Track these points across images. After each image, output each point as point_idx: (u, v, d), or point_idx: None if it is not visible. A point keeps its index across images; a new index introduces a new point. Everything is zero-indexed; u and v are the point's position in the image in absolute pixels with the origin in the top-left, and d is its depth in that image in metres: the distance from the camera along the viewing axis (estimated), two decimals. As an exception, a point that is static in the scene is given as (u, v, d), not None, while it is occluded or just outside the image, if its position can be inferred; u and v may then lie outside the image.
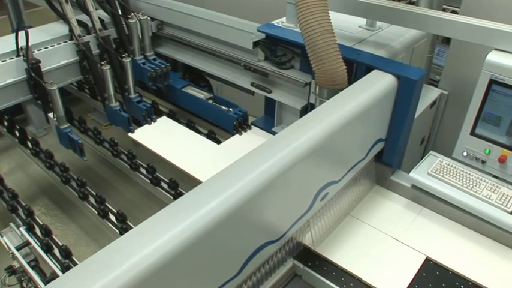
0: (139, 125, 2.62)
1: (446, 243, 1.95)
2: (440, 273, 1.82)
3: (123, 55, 2.49)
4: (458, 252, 1.91)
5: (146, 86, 2.77)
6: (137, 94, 2.64)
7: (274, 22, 2.46)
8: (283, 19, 2.46)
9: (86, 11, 2.58)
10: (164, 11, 2.82)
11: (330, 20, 1.85)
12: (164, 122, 2.66)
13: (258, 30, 2.35)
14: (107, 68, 2.39)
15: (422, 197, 2.12)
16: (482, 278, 1.79)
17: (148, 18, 2.67)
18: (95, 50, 2.65)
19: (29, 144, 2.85)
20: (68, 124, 2.39)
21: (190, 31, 2.78)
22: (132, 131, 2.52)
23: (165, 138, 2.50)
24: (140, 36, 2.66)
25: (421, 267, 1.84)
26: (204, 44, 2.73)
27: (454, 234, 1.99)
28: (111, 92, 2.52)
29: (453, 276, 1.81)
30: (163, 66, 2.67)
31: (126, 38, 2.70)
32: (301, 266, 1.84)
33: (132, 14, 2.61)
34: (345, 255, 1.88)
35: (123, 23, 2.69)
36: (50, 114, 2.41)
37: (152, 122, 2.61)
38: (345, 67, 1.92)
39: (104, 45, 2.60)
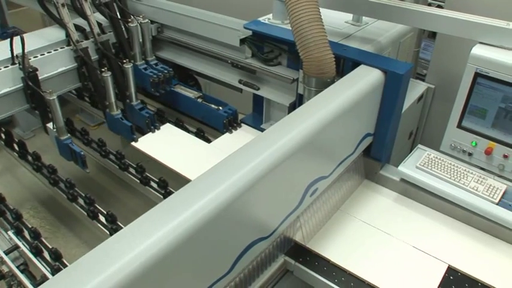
0: (142, 133, 2.51)
1: (435, 236, 1.97)
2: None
3: (124, 61, 2.37)
4: (447, 243, 1.93)
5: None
6: (139, 101, 2.54)
7: (261, 19, 2.46)
8: (270, 16, 2.46)
9: (83, 15, 2.48)
10: (161, 13, 2.75)
11: (318, 8, 1.86)
12: (168, 129, 2.55)
13: (245, 27, 2.35)
14: (107, 74, 2.27)
15: (411, 190, 2.14)
16: (470, 268, 1.81)
17: (149, 21, 2.58)
18: (94, 56, 2.55)
19: (16, 146, 2.81)
20: (69, 135, 2.27)
21: (177, 29, 2.76)
22: (136, 140, 2.41)
23: (169, 146, 2.40)
24: (140, 41, 2.56)
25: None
26: (191, 42, 2.72)
27: (442, 226, 2.02)
28: (113, 99, 2.39)
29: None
30: (165, 71, 2.56)
31: (126, 42, 2.60)
32: (293, 262, 1.85)
33: (132, 17, 2.51)
34: (336, 250, 1.89)
35: (122, 27, 2.59)
36: (49, 125, 2.30)
37: (156, 130, 2.50)
38: (333, 55, 1.93)
39: (103, 50, 2.51)
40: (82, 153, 2.22)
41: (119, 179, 2.73)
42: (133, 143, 2.40)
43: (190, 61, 2.80)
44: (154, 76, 2.51)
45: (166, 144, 2.41)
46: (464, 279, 1.78)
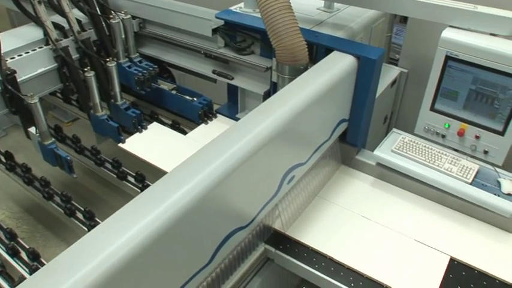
0: (129, 133, 2.42)
1: (411, 217, 2.00)
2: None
3: (107, 59, 2.28)
4: (422, 224, 1.97)
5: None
6: (124, 100, 2.44)
7: (232, 8, 2.45)
8: (241, 5, 2.45)
9: (61, 12, 2.36)
10: (143, 7, 2.65)
11: None
12: (156, 128, 2.48)
13: (216, 17, 2.33)
14: (91, 74, 2.16)
15: (387, 173, 2.17)
16: (446, 246, 1.86)
17: (131, 17, 2.49)
18: (75, 55, 2.45)
19: (-13, 146, 2.75)
20: (53, 139, 2.18)
21: (156, 23, 2.71)
22: (123, 141, 2.32)
23: (158, 146, 2.33)
24: (123, 37, 2.49)
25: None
26: (163, 34, 2.68)
27: (418, 208, 2.05)
28: (97, 100, 2.29)
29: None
30: (150, 69, 2.49)
31: (107, 39, 2.51)
32: (273, 249, 1.86)
33: (113, 13, 2.42)
34: (315, 235, 1.91)
35: (103, 24, 2.49)
36: (31, 129, 2.19)
37: (143, 130, 2.42)
38: (305, 42, 1.93)
39: (84, 49, 2.41)
40: (68, 157, 2.13)
41: (95, 175, 2.69)
42: (120, 145, 2.32)
43: (164, 53, 2.77)
44: (140, 74, 2.44)
45: (156, 145, 2.34)
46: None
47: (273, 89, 2.29)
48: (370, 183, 2.20)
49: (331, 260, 1.82)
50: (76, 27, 2.40)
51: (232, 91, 2.58)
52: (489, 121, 1.98)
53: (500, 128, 1.96)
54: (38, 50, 2.34)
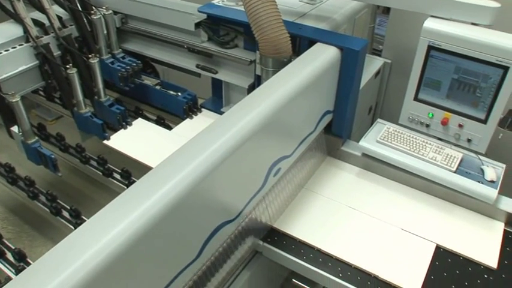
0: (114, 130, 2.39)
1: (397, 206, 2.03)
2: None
3: (90, 55, 2.25)
4: (409, 213, 1.99)
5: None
6: (108, 97, 2.41)
7: (215, 2, 2.43)
8: (224, -2, 2.43)
9: (41, 9, 2.32)
10: (125, 2, 2.61)
11: None
12: (140, 124, 2.45)
13: (199, 11, 2.32)
14: (73, 71, 2.13)
15: (373, 164, 2.18)
16: (432, 234, 1.89)
17: (112, 12, 2.46)
18: (56, 52, 2.40)
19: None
20: (37, 138, 2.15)
21: (130, 16, 2.69)
22: (108, 138, 2.30)
23: (143, 142, 2.30)
24: (105, 33, 2.45)
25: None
26: (146, 29, 2.66)
27: (404, 197, 2.07)
28: (80, 97, 2.26)
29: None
30: (134, 64, 2.47)
31: (89, 36, 2.47)
32: (261, 242, 1.87)
33: (95, 9, 2.38)
34: (303, 227, 1.92)
35: (85, 20, 2.45)
36: (14, 128, 2.16)
37: (128, 126, 2.38)
38: (288, 35, 1.94)
39: (66, 45, 2.37)
40: (53, 156, 2.11)
41: (80, 173, 2.67)
42: (105, 142, 2.30)
43: (147, 48, 2.75)
44: (123, 70, 2.42)
45: (141, 141, 2.32)
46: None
47: (257, 82, 2.29)
48: (356, 173, 2.21)
49: (319, 251, 1.83)
50: (57, 24, 2.36)
51: (217, 85, 2.57)
52: (472, 110, 2.00)
53: (482, 116, 1.99)
54: (18, 47, 2.29)
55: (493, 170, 1.99)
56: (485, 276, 1.74)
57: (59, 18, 2.40)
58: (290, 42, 1.95)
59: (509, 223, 1.94)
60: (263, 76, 2.04)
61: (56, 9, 2.43)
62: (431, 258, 1.80)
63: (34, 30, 2.28)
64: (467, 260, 1.80)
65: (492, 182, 1.96)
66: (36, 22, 2.35)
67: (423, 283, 1.70)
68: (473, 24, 1.93)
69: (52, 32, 2.39)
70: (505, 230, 1.92)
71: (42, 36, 2.34)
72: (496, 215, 1.96)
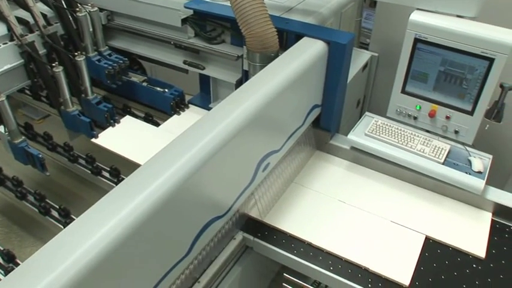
0: (102, 128, 2.37)
1: (387, 199, 2.04)
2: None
3: (76, 53, 2.22)
4: (398, 205, 2.00)
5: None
6: (95, 95, 2.39)
7: (201, -3, 2.42)
8: (210, -7, 2.42)
9: (25, 6, 2.28)
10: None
11: None
12: (128, 121, 2.44)
13: (186, 7, 2.30)
14: (59, 69, 2.11)
15: (362, 157, 2.19)
16: (419, 226, 1.90)
17: (98, 9, 2.42)
18: (42, 50, 2.37)
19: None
20: (23, 137, 2.13)
21: (116, 13, 2.67)
22: (96, 136, 2.29)
23: (132, 139, 2.29)
24: (91, 30, 2.42)
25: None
26: (132, 25, 2.64)
27: (393, 189, 2.08)
28: (67, 95, 2.24)
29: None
30: (121, 61, 2.44)
31: (75, 33, 2.44)
32: (251, 237, 1.87)
33: (80, 6, 2.34)
34: (293, 221, 1.92)
35: (70, 17, 2.42)
36: (0, 128, 2.14)
37: (116, 124, 2.38)
38: (275, 30, 1.93)
39: (51, 43, 2.34)
40: (40, 155, 2.10)
41: (69, 172, 2.65)
42: (94, 140, 2.28)
43: (133, 45, 2.73)
44: (110, 67, 2.39)
45: (129, 138, 2.30)
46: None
47: (245, 77, 2.28)
48: (345, 167, 2.22)
49: (309, 245, 1.84)
50: (41, 22, 2.33)
51: (204, 81, 2.56)
52: (459, 101, 2.02)
53: (469, 108, 2.00)
54: (3, 46, 2.26)
55: (480, 161, 2.01)
56: (474, 265, 1.76)
57: (44, 16, 2.37)
58: (277, 37, 1.95)
59: (497, 213, 1.96)
60: (250, 71, 2.04)
61: (41, 7, 2.40)
62: (420, 249, 1.81)
63: (18, 29, 2.25)
64: (456, 250, 1.82)
65: (479, 172, 1.97)
66: (20, 20, 2.32)
67: (413, 274, 1.71)
68: (458, 16, 1.94)
69: (37, 30, 2.35)
70: (492, 219, 1.94)
71: (26, 35, 2.30)
72: (484, 206, 1.98)
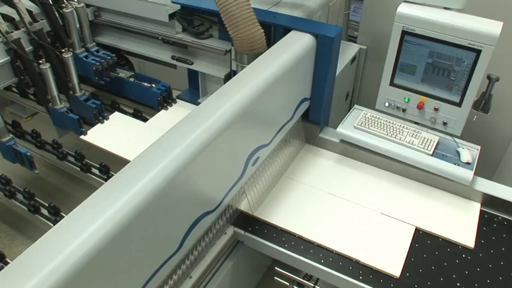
0: (90, 124, 2.37)
1: (377, 191, 2.05)
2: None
3: (63, 50, 2.22)
4: (388, 197, 2.01)
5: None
6: (83, 92, 2.39)
7: (189, -8, 2.40)
8: (197, -12, 2.41)
9: (10, 3, 2.26)
10: None
11: None
12: (117, 118, 2.44)
13: (173, 2, 2.29)
14: (46, 66, 2.11)
15: (351, 150, 2.20)
16: (409, 217, 1.91)
17: (84, 5, 2.40)
18: (28, 47, 2.34)
19: None
20: (11, 136, 2.13)
21: (103, 9, 2.64)
22: (85, 133, 2.29)
23: (121, 135, 2.29)
24: (78, 27, 2.40)
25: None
26: (119, 21, 2.61)
27: (382, 181, 2.09)
28: (55, 92, 2.24)
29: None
30: (108, 58, 2.43)
31: (62, 30, 2.41)
32: (242, 232, 1.87)
33: (66, 2, 2.31)
34: (283, 215, 1.93)
35: (56, 13, 2.38)
36: None
37: (104, 120, 2.38)
38: (262, 31, 1.93)
39: (38, 40, 2.31)
40: (29, 153, 2.10)
41: (58, 169, 2.63)
42: (82, 137, 2.28)
43: (121, 41, 2.70)
44: (97, 64, 2.38)
45: (118, 134, 2.30)
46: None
47: (234, 71, 2.28)
48: (335, 160, 2.23)
49: (300, 238, 1.84)
50: (27, 18, 2.30)
51: (193, 76, 2.55)
52: (447, 93, 2.03)
53: (457, 99, 2.02)
54: None
55: (469, 152, 2.03)
56: (463, 256, 1.78)
57: (30, 12, 2.34)
58: (264, 38, 1.95)
59: (485, 203, 1.98)
60: (238, 71, 2.03)
61: (26, 3, 2.36)
62: (411, 240, 1.82)
63: (4, 26, 2.22)
64: (446, 241, 1.83)
65: (468, 163, 1.99)
66: (5, 17, 2.29)
67: (403, 265, 1.72)
68: (445, 8, 1.95)
69: (23, 27, 2.32)
70: (481, 210, 1.96)
71: (12, 32, 2.27)
72: (472, 196, 1.99)
